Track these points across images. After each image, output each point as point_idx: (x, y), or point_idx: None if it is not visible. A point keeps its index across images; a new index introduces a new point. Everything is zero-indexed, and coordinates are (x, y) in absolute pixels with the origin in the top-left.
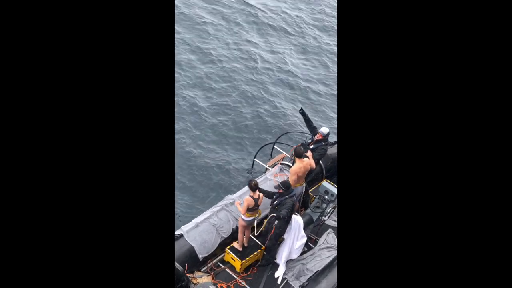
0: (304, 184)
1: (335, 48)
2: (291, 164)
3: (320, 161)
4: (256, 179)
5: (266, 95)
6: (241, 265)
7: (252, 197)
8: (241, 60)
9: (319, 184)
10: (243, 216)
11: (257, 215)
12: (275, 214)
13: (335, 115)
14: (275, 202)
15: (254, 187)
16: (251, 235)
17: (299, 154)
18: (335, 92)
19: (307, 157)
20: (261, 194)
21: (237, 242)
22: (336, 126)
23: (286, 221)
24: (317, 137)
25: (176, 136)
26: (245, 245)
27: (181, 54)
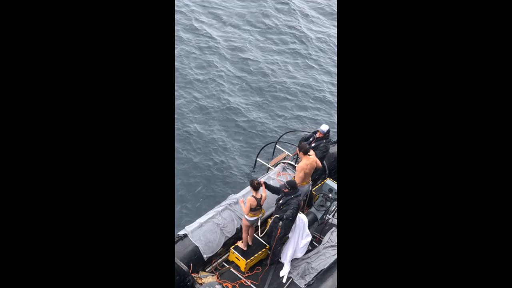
0: (311, 183)
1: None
2: (293, 163)
3: (324, 161)
4: (259, 178)
5: (267, 94)
6: (246, 264)
7: (254, 197)
8: (239, 59)
9: (323, 182)
10: (246, 216)
11: (260, 215)
12: (278, 215)
13: (335, 113)
14: (280, 202)
15: (256, 187)
16: (255, 235)
17: (305, 150)
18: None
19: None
20: (263, 194)
21: (242, 242)
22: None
23: (290, 221)
24: (318, 135)
25: (176, 135)
26: (250, 243)
27: (179, 50)
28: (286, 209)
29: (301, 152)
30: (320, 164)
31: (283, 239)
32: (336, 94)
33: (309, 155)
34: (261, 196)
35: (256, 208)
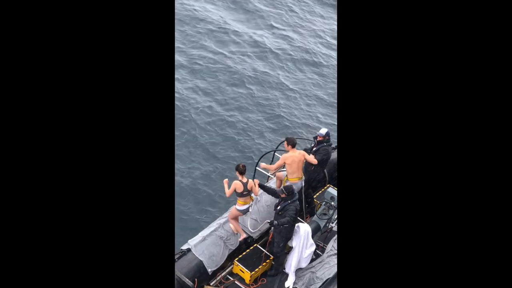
0: (303, 178)
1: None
2: None
3: (324, 166)
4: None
5: (266, 102)
6: (250, 276)
7: (240, 181)
8: (240, 64)
9: (323, 189)
10: (237, 206)
11: (250, 202)
12: (269, 221)
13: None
14: (278, 208)
15: (242, 170)
16: (257, 245)
17: (292, 143)
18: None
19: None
20: (250, 180)
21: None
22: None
23: (290, 227)
24: (318, 139)
25: (176, 143)
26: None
27: (180, 56)
28: (284, 215)
29: (289, 146)
30: (310, 160)
31: (286, 248)
32: (335, 99)
33: (300, 151)
34: (247, 180)
35: (244, 193)
